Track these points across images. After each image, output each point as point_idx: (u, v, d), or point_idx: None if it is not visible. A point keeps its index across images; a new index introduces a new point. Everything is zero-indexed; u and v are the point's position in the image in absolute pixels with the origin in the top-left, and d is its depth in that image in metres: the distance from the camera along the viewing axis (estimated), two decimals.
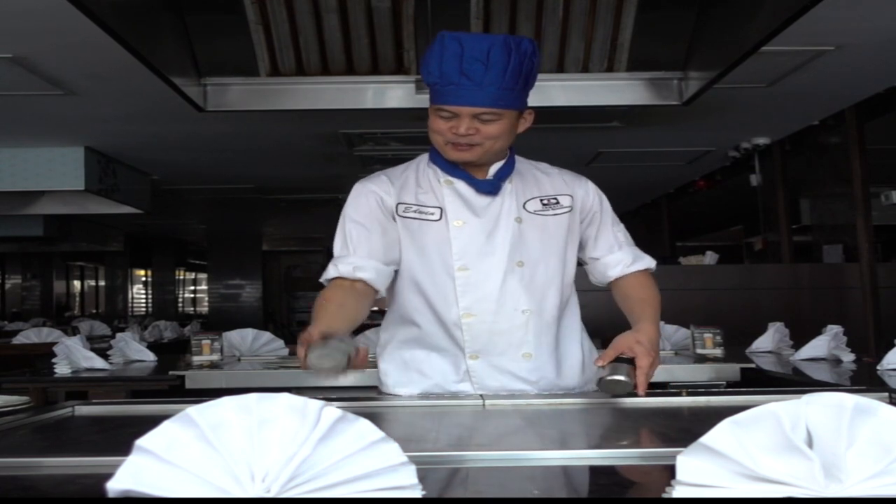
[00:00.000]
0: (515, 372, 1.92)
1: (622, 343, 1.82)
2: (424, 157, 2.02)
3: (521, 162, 2.03)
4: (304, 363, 1.59)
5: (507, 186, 1.96)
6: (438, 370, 1.94)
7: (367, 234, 1.90)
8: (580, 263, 2.07)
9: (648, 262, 2.03)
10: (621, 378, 1.73)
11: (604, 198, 2.06)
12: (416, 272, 1.92)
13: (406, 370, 1.97)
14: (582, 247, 2.04)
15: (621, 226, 2.07)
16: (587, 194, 2.02)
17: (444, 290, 1.90)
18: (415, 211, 1.92)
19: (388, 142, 6.09)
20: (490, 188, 1.94)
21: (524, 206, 1.95)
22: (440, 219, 1.91)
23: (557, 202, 1.98)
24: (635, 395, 1.74)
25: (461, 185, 1.94)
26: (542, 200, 1.97)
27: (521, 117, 1.92)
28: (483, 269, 1.89)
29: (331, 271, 1.88)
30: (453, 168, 1.94)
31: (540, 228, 1.94)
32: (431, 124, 1.90)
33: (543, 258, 1.93)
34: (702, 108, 4.35)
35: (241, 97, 3.71)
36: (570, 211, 1.98)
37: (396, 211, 1.93)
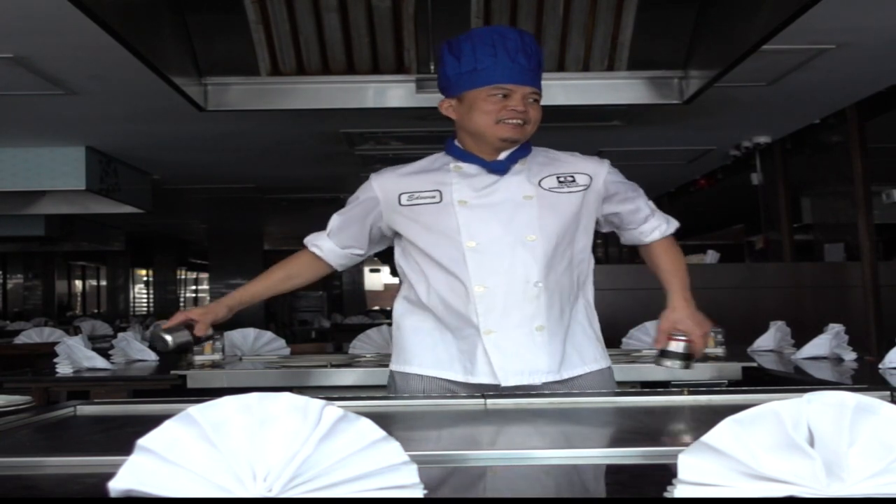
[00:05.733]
0: (528, 345, 1.92)
1: (666, 325, 1.99)
2: (440, 153, 2.10)
3: (538, 149, 2.09)
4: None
5: (519, 167, 2.01)
6: (455, 353, 1.97)
7: (346, 225, 2.10)
8: (614, 232, 2.13)
9: (675, 224, 2.13)
10: (679, 351, 1.95)
11: (619, 172, 2.10)
12: (430, 251, 1.99)
13: (422, 351, 2.00)
14: (620, 219, 2.08)
15: (642, 192, 2.11)
16: (605, 172, 2.06)
17: (457, 264, 1.95)
18: (416, 197, 2.01)
19: (388, 141, 6.09)
20: (499, 167, 1.99)
21: (539, 184, 1.99)
22: (440, 201, 1.98)
23: (574, 180, 2.02)
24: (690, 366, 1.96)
25: (470, 168, 2.01)
26: (558, 178, 2.02)
27: None
28: (490, 244, 1.94)
29: (306, 239, 2.18)
30: (466, 154, 2.02)
31: (554, 204, 1.98)
32: (481, 107, 1.95)
33: (556, 234, 1.96)
34: (702, 107, 4.35)
35: (242, 97, 3.71)
36: (585, 189, 2.02)
37: (399, 202, 2.01)
